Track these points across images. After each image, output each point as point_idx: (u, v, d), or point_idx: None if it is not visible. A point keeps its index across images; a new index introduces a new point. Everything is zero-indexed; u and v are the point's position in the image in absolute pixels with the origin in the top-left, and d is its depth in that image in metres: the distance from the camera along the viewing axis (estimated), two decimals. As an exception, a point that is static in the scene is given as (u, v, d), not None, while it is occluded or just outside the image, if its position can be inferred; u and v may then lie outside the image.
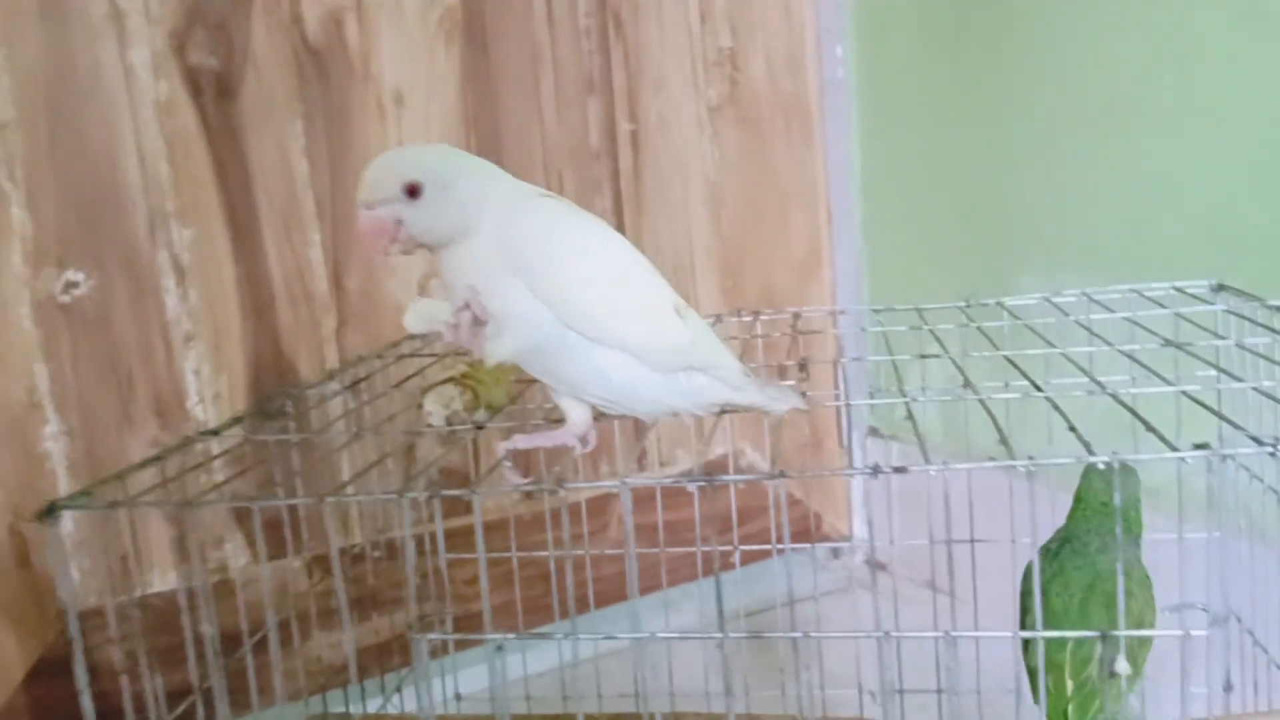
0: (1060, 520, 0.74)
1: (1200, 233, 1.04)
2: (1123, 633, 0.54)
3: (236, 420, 0.70)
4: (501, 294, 0.59)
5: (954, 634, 0.51)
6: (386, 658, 0.99)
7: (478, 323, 0.58)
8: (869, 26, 1.37)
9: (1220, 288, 0.85)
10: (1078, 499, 0.71)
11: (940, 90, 1.29)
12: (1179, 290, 0.86)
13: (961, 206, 1.29)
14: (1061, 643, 0.61)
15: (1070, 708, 0.63)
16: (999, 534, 0.87)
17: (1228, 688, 0.85)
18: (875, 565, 1.36)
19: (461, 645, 0.99)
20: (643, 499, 1.23)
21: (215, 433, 0.68)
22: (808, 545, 1.20)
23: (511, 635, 0.53)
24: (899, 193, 1.37)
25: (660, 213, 1.30)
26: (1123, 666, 0.53)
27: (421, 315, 0.60)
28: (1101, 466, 0.67)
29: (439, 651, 0.98)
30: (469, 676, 1.01)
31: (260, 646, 0.70)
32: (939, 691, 0.69)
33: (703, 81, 1.33)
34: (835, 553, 1.43)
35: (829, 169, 1.40)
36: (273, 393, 0.74)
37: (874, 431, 1.40)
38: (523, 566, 1.18)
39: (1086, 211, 1.15)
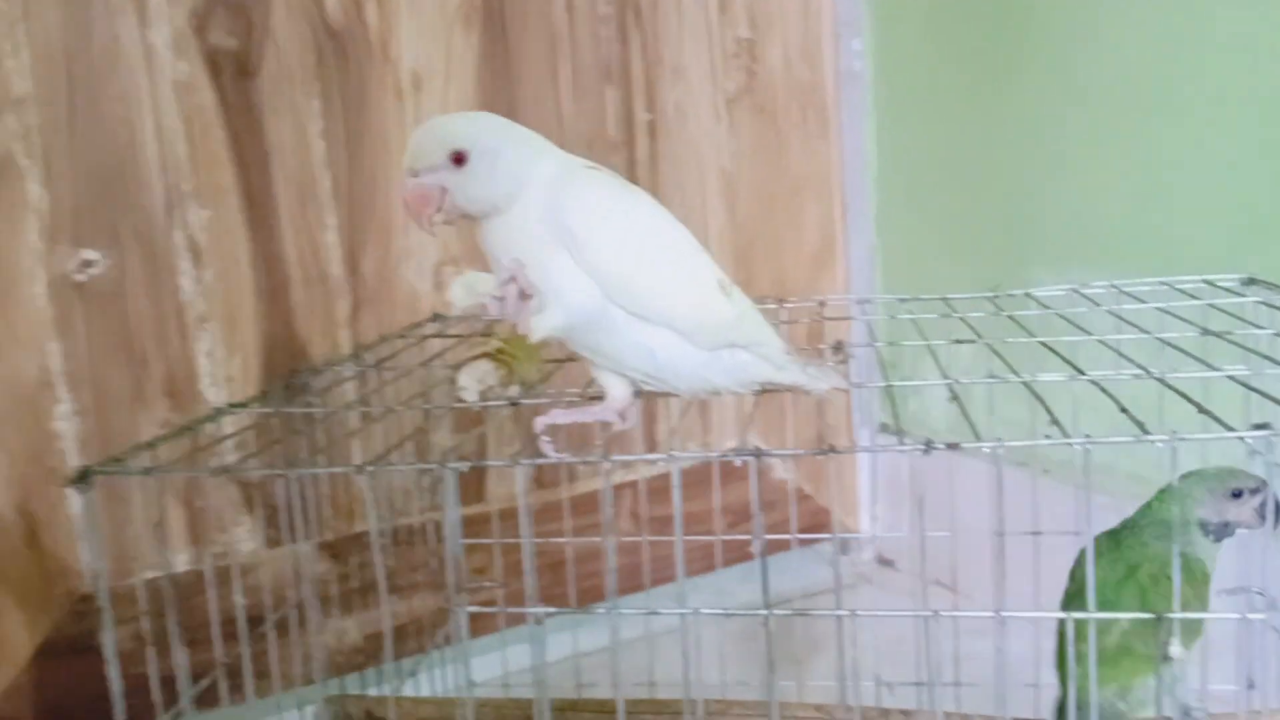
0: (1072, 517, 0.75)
1: (1224, 226, 1.03)
2: (1177, 615, 0.53)
3: (262, 395, 0.69)
4: (547, 267, 0.58)
5: (1004, 614, 0.51)
6: (401, 643, 0.98)
7: (524, 296, 0.57)
8: (886, 19, 1.37)
9: (1250, 280, 0.85)
10: (1147, 505, 0.71)
11: (955, 83, 1.29)
12: (1209, 283, 0.85)
13: (975, 199, 1.29)
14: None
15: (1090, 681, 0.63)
16: (1021, 529, 0.86)
17: (1251, 686, 0.85)
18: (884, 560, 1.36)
19: (476, 631, 0.98)
20: (657, 490, 1.22)
21: (243, 405, 0.67)
22: (827, 536, 1.19)
23: (554, 610, 0.53)
24: (913, 185, 1.37)
25: (675, 202, 1.29)
26: (1176, 649, 0.52)
27: (468, 289, 0.59)
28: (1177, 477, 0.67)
29: (453, 637, 0.98)
30: (482, 665, 1.00)
31: (275, 629, 0.69)
32: (954, 683, 0.69)
33: (720, 72, 1.32)
34: (844, 549, 1.42)
35: (844, 160, 1.39)
36: (297, 368, 0.73)
37: (884, 428, 1.40)
38: (535, 555, 1.17)
39: (1101, 204, 1.14)
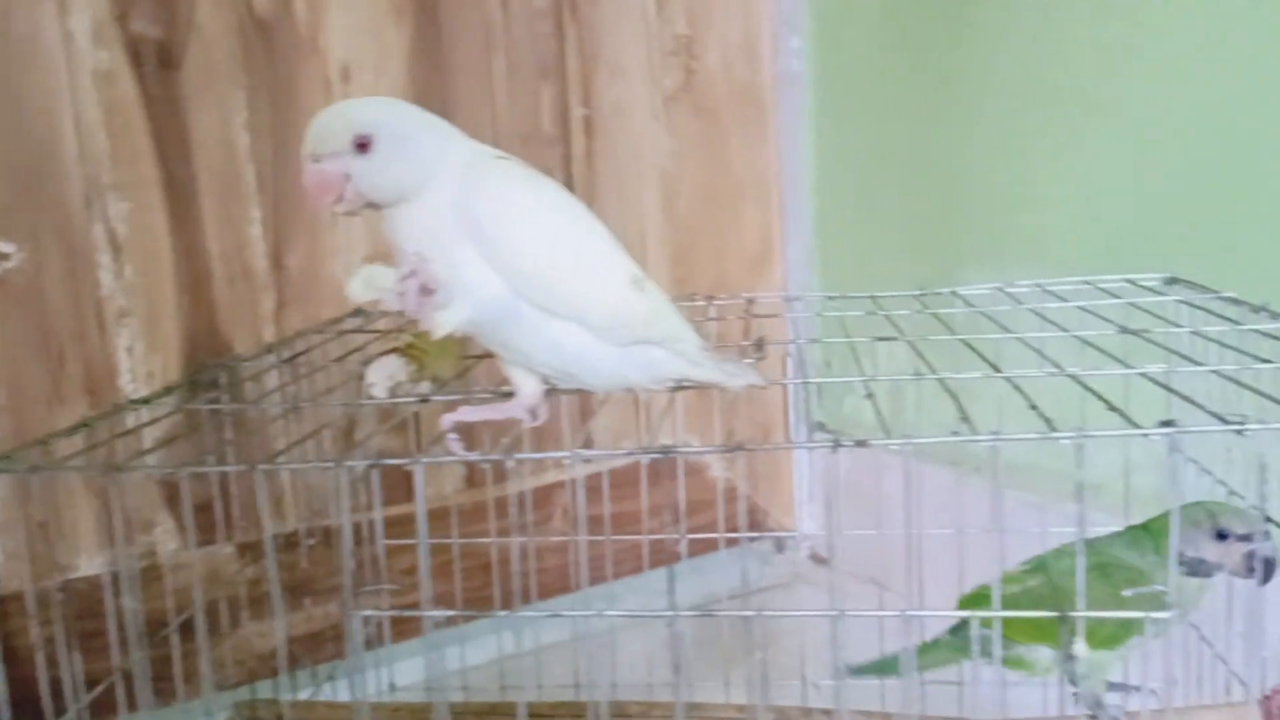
0: (1006, 513, 0.74)
1: (1151, 228, 1.04)
2: (1081, 614, 0.53)
3: (168, 390, 0.67)
4: (452, 260, 0.56)
5: (910, 613, 0.50)
6: (319, 647, 0.96)
7: (425, 291, 0.56)
8: (825, 19, 1.37)
9: (1173, 280, 0.85)
10: (1146, 522, 0.69)
11: (895, 84, 1.29)
12: (1132, 282, 0.85)
13: (914, 200, 1.29)
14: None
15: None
16: (946, 528, 0.86)
17: (1171, 682, 0.86)
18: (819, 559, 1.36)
19: (398, 635, 0.96)
20: (590, 489, 1.21)
21: (145, 401, 0.65)
22: (755, 535, 1.19)
23: (450, 612, 0.51)
24: (852, 186, 1.37)
25: (613, 200, 1.28)
26: (1080, 649, 0.52)
27: (367, 282, 0.57)
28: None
29: (375, 641, 0.96)
30: (406, 669, 0.98)
31: (187, 634, 0.67)
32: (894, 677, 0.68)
33: (658, 69, 1.31)
34: (779, 547, 1.42)
35: (783, 161, 1.39)
36: (207, 364, 0.71)
37: (819, 426, 1.39)
38: (463, 557, 1.15)
39: (1038, 206, 1.15)
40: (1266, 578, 0.63)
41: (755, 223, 1.39)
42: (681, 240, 1.35)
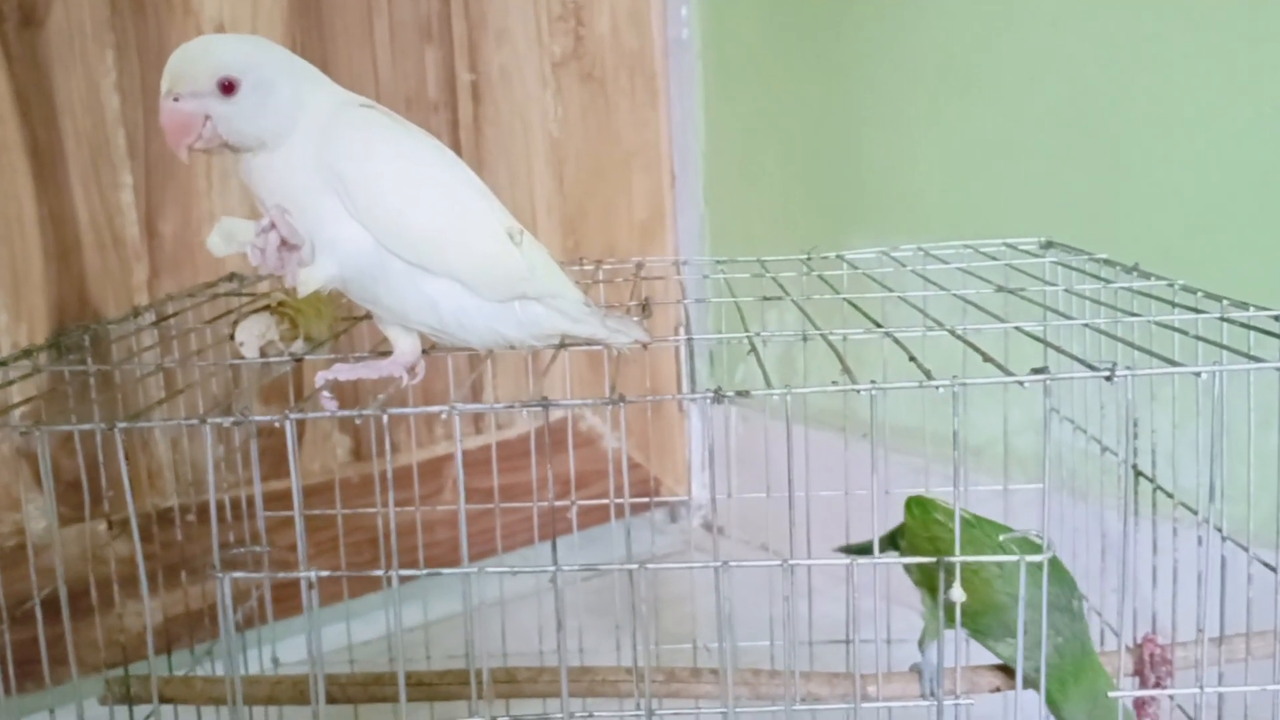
0: (891, 477, 0.76)
1: (1028, 194, 1.07)
2: (958, 559, 0.53)
3: (27, 352, 0.64)
4: (316, 213, 0.54)
5: (792, 562, 0.50)
6: (201, 626, 0.93)
7: (286, 246, 0.53)
8: (714, -12, 1.37)
9: (1049, 244, 0.87)
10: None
11: (782, 54, 1.30)
12: (1010, 245, 0.87)
13: (800, 169, 1.30)
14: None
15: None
16: (834, 490, 0.87)
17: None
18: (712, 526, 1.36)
19: (282, 612, 0.94)
20: (479, 461, 1.19)
21: (3, 363, 0.61)
22: (646, 499, 1.19)
23: (325, 573, 0.50)
24: (741, 155, 1.37)
25: (501, 167, 1.26)
26: (957, 594, 0.53)
27: (227, 236, 0.54)
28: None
29: (256, 617, 0.93)
30: (292, 646, 0.96)
31: (54, 615, 0.64)
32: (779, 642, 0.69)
33: (546, 35, 1.30)
34: (673, 517, 1.42)
35: (673, 129, 1.38)
36: (71, 326, 0.68)
37: (720, 395, 1.40)
38: (350, 531, 1.13)
39: (921, 174, 1.17)
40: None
41: (645, 190, 1.39)
42: (571, 208, 1.33)
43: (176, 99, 0.54)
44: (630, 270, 0.87)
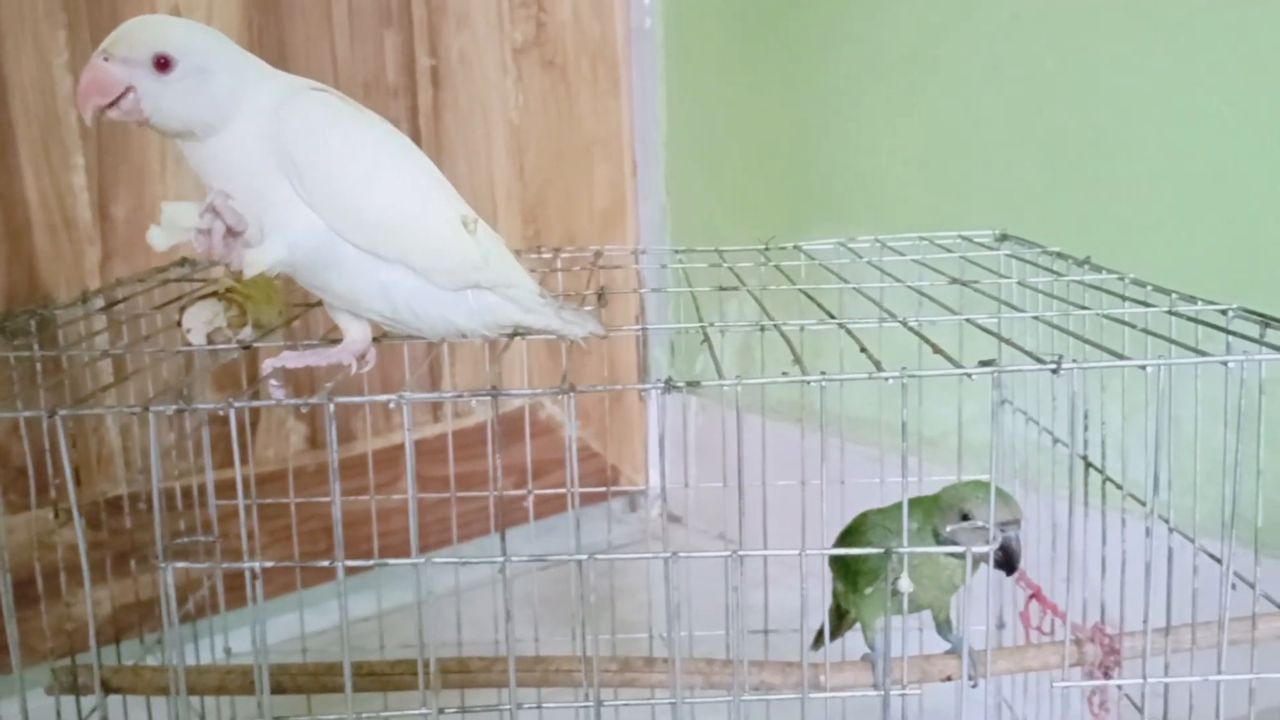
0: (846, 466, 0.78)
1: (985, 187, 1.08)
2: (905, 549, 0.54)
3: (-31, 338, 0.62)
4: (266, 197, 0.54)
5: (741, 552, 0.50)
6: (150, 617, 0.92)
7: (231, 231, 0.53)
8: (676, -23, 1.36)
9: (1004, 237, 0.88)
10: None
11: (744, 46, 1.30)
12: (965, 238, 0.88)
13: (761, 160, 1.30)
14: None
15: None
16: (790, 480, 0.88)
17: (1001, 625, 0.89)
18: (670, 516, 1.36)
19: (234, 602, 0.93)
20: (435, 450, 1.18)
21: (-57, 349, 0.60)
22: (603, 489, 1.18)
23: (270, 563, 0.49)
24: (702, 145, 1.37)
25: (460, 154, 1.25)
26: (905, 584, 0.53)
27: (170, 223, 0.53)
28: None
29: (206, 608, 0.92)
30: (243, 636, 0.95)
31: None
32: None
33: (508, 21, 1.29)
34: (632, 506, 1.42)
35: (634, 118, 1.38)
36: (16, 310, 0.67)
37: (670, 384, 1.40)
38: (305, 519, 1.12)
39: (879, 166, 1.18)
40: (1007, 569, 0.62)
41: (606, 179, 1.38)
42: (531, 196, 1.33)
43: (107, 59, 0.53)
44: (589, 259, 0.86)
